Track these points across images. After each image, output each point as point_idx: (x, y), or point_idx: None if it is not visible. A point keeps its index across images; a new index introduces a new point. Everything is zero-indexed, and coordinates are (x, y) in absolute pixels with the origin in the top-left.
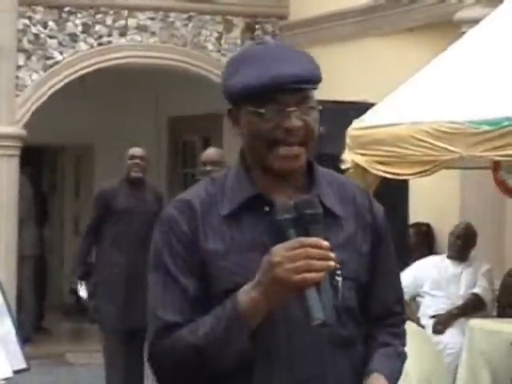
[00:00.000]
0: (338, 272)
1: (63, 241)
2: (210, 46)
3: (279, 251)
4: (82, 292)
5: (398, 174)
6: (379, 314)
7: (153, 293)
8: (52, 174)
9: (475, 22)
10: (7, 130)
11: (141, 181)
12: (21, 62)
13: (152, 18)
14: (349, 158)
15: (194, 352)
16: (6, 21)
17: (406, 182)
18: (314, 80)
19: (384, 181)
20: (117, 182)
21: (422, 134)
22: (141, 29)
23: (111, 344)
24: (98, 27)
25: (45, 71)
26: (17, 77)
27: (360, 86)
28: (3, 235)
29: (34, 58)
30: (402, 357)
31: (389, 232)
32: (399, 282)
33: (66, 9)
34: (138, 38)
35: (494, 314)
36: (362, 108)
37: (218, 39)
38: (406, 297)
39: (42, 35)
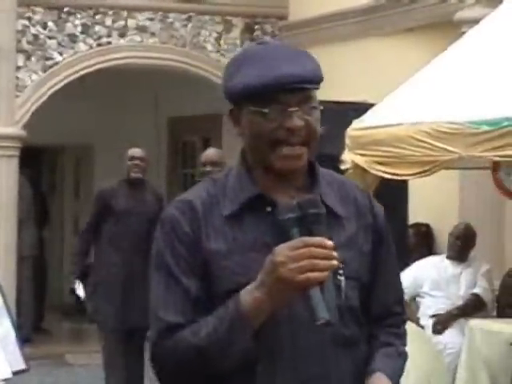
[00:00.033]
0: (341, 272)
1: (63, 241)
2: (209, 47)
3: (282, 251)
4: (80, 291)
5: (398, 175)
6: (379, 314)
7: (155, 294)
8: (52, 175)
9: (475, 21)
10: (7, 131)
11: (141, 181)
12: (20, 62)
13: (151, 19)
14: (348, 158)
15: (196, 353)
16: (5, 21)
17: (405, 182)
18: (316, 80)
19: (383, 181)
20: (116, 183)
21: (421, 134)
22: (140, 29)
23: (110, 344)
24: (97, 28)
25: (44, 72)
26: (16, 77)
27: (360, 86)
28: (3, 235)
29: (33, 59)
30: (403, 356)
31: (389, 232)
32: (399, 283)
33: (66, 9)
34: (138, 38)
35: (494, 314)
36: (361, 108)
37: (218, 39)
38: (406, 297)
39: (42, 36)
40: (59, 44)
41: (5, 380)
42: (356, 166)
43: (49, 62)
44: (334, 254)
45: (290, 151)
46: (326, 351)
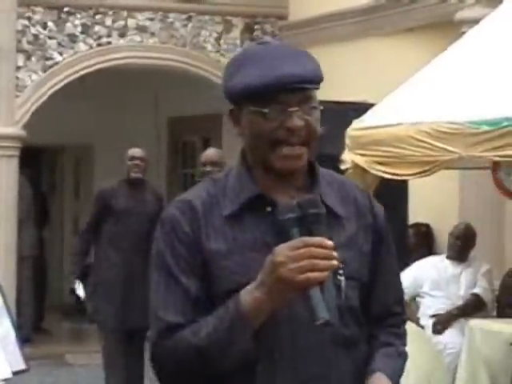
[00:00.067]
0: (341, 272)
1: (63, 241)
2: (209, 47)
3: (282, 251)
4: (80, 291)
5: (398, 175)
6: (379, 314)
7: (155, 294)
8: (51, 175)
9: (475, 22)
10: (7, 131)
11: (141, 181)
12: (20, 62)
13: (151, 19)
14: (348, 158)
15: (196, 353)
16: (5, 21)
17: (405, 182)
18: (317, 80)
19: (383, 181)
20: (116, 183)
21: (421, 134)
22: (140, 29)
23: (110, 344)
24: (97, 28)
25: (44, 72)
26: (16, 77)
27: (360, 86)
28: (3, 235)
29: (33, 59)
30: (404, 356)
31: (389, 232)
32: (399, 283)
33: (66, 9)
34: (138, 38)
35: (494, 314)
36: (361, 108)
37: (218, 39)
38: (406, 297)
39: (42, 36)
40: (59, 44)
41: (5, 380)
42: (356, 166)
43: (49, 62)
44: (334, 254)
45: (290, 151)
46: (325, 351)
